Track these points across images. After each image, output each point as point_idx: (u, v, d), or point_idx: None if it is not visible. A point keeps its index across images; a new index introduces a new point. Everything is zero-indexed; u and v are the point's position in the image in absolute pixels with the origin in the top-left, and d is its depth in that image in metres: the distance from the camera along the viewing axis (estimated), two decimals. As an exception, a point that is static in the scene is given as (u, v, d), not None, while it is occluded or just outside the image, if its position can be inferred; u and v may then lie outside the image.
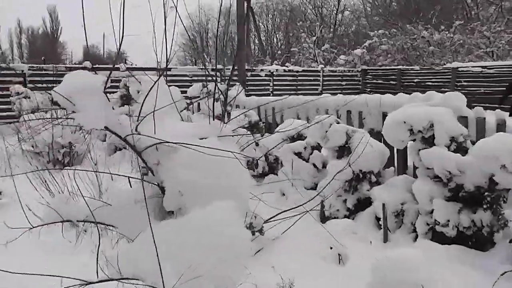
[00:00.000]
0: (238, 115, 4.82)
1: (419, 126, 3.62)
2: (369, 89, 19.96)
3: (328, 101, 5.66)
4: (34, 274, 1.60)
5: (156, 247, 1.71)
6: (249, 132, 4.56)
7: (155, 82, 1.98)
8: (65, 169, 3.64)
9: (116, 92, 9.04)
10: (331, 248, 3.41)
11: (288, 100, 6.50)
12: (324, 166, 4.85)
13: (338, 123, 4.29)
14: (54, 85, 1.70)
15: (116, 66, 15.20)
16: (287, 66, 20.35)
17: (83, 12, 1.91)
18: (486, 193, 3.30)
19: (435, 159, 3.46)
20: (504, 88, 12.44)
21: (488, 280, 2.88)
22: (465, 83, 15.13)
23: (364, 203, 4.21)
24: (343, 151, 4.32)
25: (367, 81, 20.31)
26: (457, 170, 3.39)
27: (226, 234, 1.69)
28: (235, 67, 16.02)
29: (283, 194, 4.83)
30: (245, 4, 14.18)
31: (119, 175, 1.98)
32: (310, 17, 35.11)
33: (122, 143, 7.98)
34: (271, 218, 1.99)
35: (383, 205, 3.74)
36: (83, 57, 45.24)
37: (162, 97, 1.99)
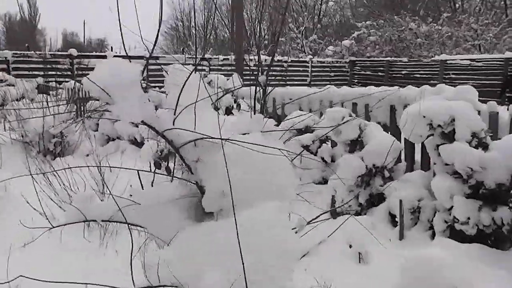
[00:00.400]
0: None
1: (439, 120, 3.50)
2: (356, 81, 19.89)
3: (338, 94, 5.48)
4: (72, 282, 1.43)
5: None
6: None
7: (192, 72, 1.81)
8: (67, 168, 3.43)
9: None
10: (350, 246, 3.30)
11: (291, 91, 6.34)
12: (333, 160, 4.72)
13: (350, 115, 4.16)
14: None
15: (116, 54, 14.80)
16: (275, 57, 20.15)
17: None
18: (511, 191, 3.22)
19: (457, 155, 3.36)
20: (501, 82, 12.56)
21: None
22: (453, 76, 15.17)
23: (375, 199, 4.11)
24: (355, 144, 4.20)
25: (355, 72, 20.24)
26: (479, 167, 3.30)
27: (276, 238, 1.57)
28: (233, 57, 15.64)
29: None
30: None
31: (128, 169, 1.81)
32: (294, 8, 34.80)
33: (115, 133, 7.62)
34: (313, 219, 1.85)
35: (400, 201, 3.63)
36: (62, 44, 44.24)
37: (196, 90, 1.82)
